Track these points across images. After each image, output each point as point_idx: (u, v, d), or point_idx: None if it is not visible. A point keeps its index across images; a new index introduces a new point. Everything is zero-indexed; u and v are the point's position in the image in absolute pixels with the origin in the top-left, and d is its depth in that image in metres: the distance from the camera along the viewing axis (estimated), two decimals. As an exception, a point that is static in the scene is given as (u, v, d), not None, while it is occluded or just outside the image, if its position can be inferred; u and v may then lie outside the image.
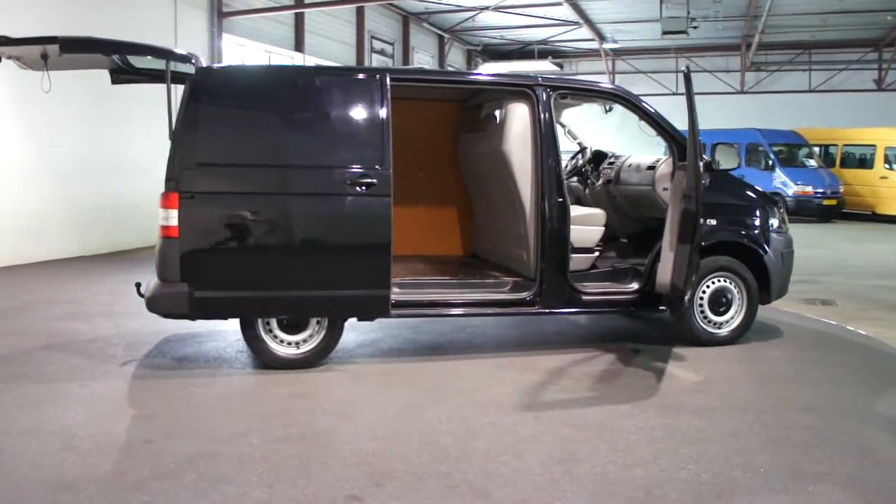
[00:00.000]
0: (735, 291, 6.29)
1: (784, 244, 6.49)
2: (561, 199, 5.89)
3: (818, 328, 7.08)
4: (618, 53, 29.42)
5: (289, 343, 5.60)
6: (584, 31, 25.66)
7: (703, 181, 5.49)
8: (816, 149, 21.83)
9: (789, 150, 21.36)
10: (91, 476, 3.71)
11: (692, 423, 4.44)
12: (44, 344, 6.32)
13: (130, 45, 5.59)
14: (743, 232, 6.34)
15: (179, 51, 5.65)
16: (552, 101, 5.95)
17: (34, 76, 5.88)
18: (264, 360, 5.59)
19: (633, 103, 6.17)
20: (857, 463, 3.88)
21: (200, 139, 5.31)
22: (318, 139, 5.50)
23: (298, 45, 19.67)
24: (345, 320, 5.70)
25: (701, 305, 6.24)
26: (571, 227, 6.16)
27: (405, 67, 6.43)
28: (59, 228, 11.47)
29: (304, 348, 5.63)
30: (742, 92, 28.24)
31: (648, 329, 7.02)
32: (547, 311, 5.95)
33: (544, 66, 30.19)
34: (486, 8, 23.42)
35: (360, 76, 5.79)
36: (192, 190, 5.26)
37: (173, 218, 5.25)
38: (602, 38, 26.72)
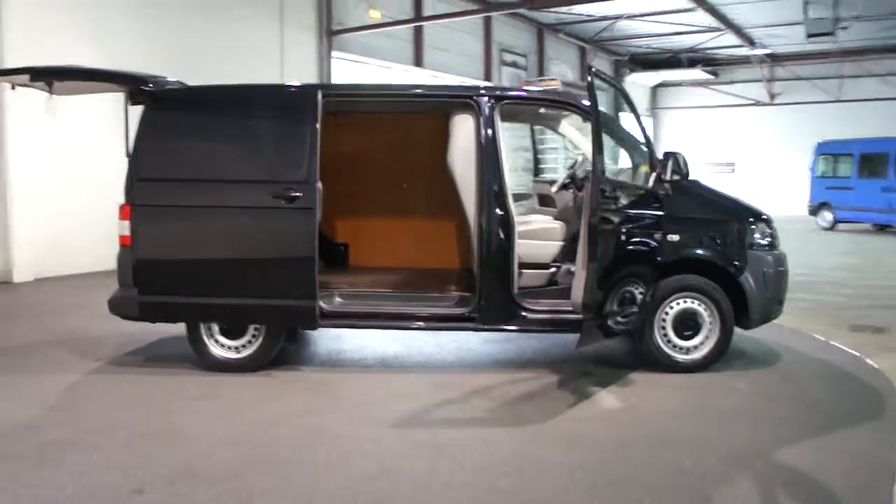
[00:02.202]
0: (704, 314, 5.73)
1: (768, 263, 5.81)
2: (502, 213, 5.66)
3: (828, 359, 6.27)
4: (776, 59, 27.53)
5: (229, 347, 5.79)
6: (732, 38, 24.25)
7: (609, 192, 5.06)
8: None
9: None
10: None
11: (555, 454, 4.10)
12: (48, 340, 6.91)
13: (97, 72, 6.00)
14: (710, 248, 5.76)
15: (141, 75, 6.00)
16: (496, 112, 5.74)
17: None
18: (206, 363, 5.81)
19: (585, 112, 5.80)
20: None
21: (149, 156, 5.66)
22: (249, 154, 5.66)
23: (417, 60, 20.10)
24: (281, 328, 5.80)
25: (663, 328, 5.74)
26: (523, 241, 5.93)
27: (339, 84, 6.37)
28: (87, 242, 11.13)
29: (244, 353, 5.80)
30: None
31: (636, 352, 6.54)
32: (486, 327, 5.72)
33: (693, 75, 28.93)
34: (620, 17, 22.83)
35: (291, 93, 5.90)
36: (141, 203, 5.63)
37: (126, 228, 5.65)
38: (751, 43, 25.11)
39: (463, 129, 5.80)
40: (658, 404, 5.02)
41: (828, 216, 20.74)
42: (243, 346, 5.80)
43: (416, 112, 7.07)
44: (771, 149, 29.34)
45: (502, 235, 5.65)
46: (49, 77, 5.88)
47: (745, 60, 27.68)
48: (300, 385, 5.52)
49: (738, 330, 6.09)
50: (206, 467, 3.97)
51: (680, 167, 5.51)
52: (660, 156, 5.76)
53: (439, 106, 6.08)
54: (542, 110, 6.67)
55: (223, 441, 4.36)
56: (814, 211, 21.23)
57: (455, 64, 21.48)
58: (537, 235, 6.05)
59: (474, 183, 5.74)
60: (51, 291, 9.84)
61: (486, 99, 5.74)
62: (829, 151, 21.15)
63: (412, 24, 19.21)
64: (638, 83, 30.60)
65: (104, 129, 10.89)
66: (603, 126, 5.63)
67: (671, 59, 28.30)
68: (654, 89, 32.67)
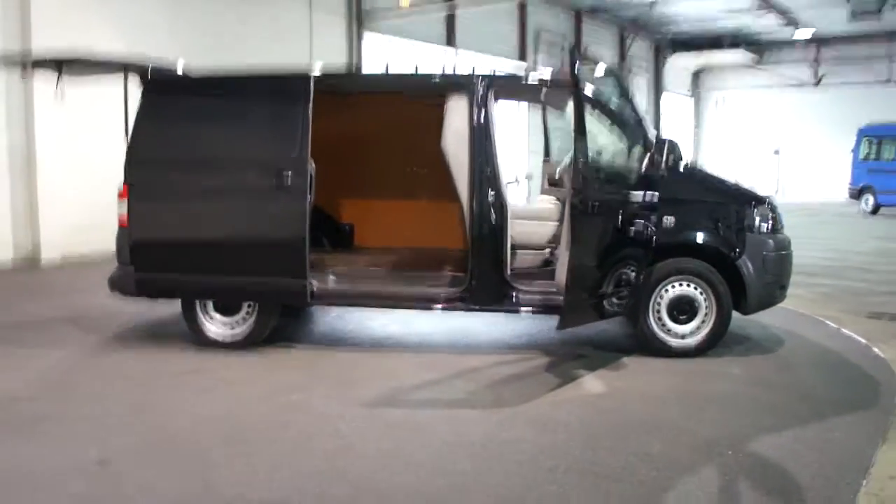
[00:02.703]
0: (700, 298, 5.61)
1: (768, 247, 5.66)
2: (494, 194, 5.61)
3: (833, 346, 6.08)
4: (821, 41, 26.74)
5: (223, 325, 5.87)
6: (776, 18, 23.60)
7: (593, 175, 4.99)
8: None
9: None
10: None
11: (524, 436, 4.06)
12: (62, 317, 7.06)
13: (96, 61, 6.07)
14: (706, 232, 5.62)
15: (137, 62, 6.06)
16: (489, 95, 5.67)
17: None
18: (201, 340, 5.89)
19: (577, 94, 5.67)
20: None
21: (145, 138, 5.76)
22: (242, 137, 5.71)
23: (450, 41, 20.00)
24: (273, 306, 5.85)
25: (658, 312, 5.63)
26: (517, 222, 5.87)
27: (333, 72, 6.36)
28: (113, 223, 11.84)
29: (237, 330, 5.88)
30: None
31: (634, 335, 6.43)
32: (477, 307, 5.69)
33: (736, 57, 28.30)
34: (658, -2, 22.42)
35: (285, 79, 5.92)
36: (137, 183, 5.74)
37: (124, 208, 5.75)
38: (795, 24, 24.40)
39: (457, 113, 5.75)
40: (643, 389, 4.93)
41: (870, 200, 20.14)
42: (237, 323, 5.87)
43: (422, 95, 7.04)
44: (816, 133, 28.56)
45: (494, 217, 5.60)
46: (52, 65, 5.99)
47: (789, 42, 26.95)
48: (290, 363, 5.57)
49: (745, 316, 6.00)
50: (176, 442, 4.03)
51: (673, 152, 5.37)
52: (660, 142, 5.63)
53: (434, 91, 6.02)
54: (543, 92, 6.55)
55: (201, 416, 4.42)
56: (855, 195, 20.65)
57: (490, 46, 21.31)
58: (532, 216, 5.98)
59: (467, 165, 5.69)
60: (75, 271, 10.07)
61: (479, 83, 5.67)
62: (872, 134, 20.53)
63: (444, 10, 19.06)
64: (679, 65, 30.02)
65: (129, 113, 11.08)
66: (599, 108, 5.55)
67: (713, 41, 27.66)
68: (697, 72, 32.03)
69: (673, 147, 5.40)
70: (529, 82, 6.00)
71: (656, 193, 5.45)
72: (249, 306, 5.85)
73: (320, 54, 15.74)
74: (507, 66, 22.37)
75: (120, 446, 3.95)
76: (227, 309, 5.87)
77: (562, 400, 4.68)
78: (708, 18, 24.92)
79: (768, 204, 5.83)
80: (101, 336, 6.31)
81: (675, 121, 31.05)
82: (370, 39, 17.68)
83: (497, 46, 21.63)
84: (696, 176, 5.75)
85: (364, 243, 7.61)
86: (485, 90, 5.66)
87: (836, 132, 26.77)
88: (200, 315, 5.88)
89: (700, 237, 5.60)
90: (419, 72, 6.22)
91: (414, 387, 4.99)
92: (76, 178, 11.33)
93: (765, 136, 30.23)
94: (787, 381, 5.16)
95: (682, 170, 5.65)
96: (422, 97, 6.52)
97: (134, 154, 5.77)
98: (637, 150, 5.50)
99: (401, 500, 3.36)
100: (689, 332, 5.62)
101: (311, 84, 5.66)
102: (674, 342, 5.62)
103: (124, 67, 5.96)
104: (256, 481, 3.53)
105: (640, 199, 5.39)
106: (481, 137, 5.62)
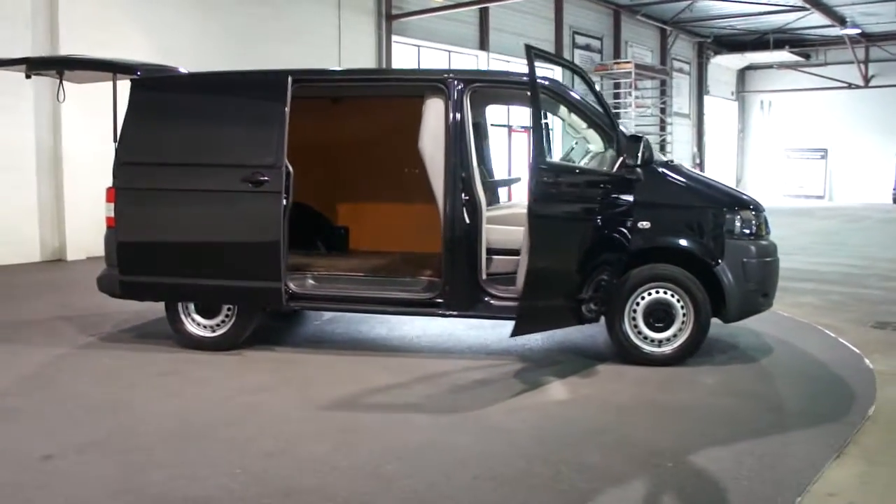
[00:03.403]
0: (677, 305, 5.49)
1: (750, 253, 5.50)
2: (468, 198, 5.57)
3: (823, 357, 5.85)
4: (870, 39, 25.94)
5: (204, 326, 5.96)
6: (820, 17, 22.96)
7: (553, 178, 4.92)
8: None
9: None
10: None
11: (465, 443, 4.01)
12: (62, 315, 7.26)
13: (91, 61, 6.22)
14: (683, 236, 5.50)
15: (127, 62, 6.20)
16: (465, 96, 5.63)
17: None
18: (183, 341, 5.99)
19: (557, 94, 5.62)
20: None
21: (131, 141, 5.87)
22: (221, 139, 5.77)
23: (482, 44, 19.95)
24: (252, 308, 5.91)
25: (634, 319, 5.53)
26: (492, 226, 5.82)
27: (309, 69, 6.33)
28: None
29: (218, 332, 5.95)
30: None
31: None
32: (450, 313, 5.66)
33: (781, 57, 27.64)
34: (699, -5, 22.02)
35: (261, 78, 5.97)
36: (123, 186, 5.87)
37: (111, 210, 5.89)
38: (842, 22, 23.71)
39: (433, 113, 5.73)
40: (607, 397, 4.85)
41: (913, 203, 19.48)
42: (217, 325, 5.95)
43: (412, 97, 7.04)
44: (865, 134, 27.72)
45: (468, 221, 5.56)
46: (46, 67, 6.17)
47: (837, 41, 26.20)
48: (264, 365, 5.62)
49: (739, 324, 5.94)
50: (123, 439, 4.11)
51: (643, 152, 5.26)
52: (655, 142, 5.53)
53: (412, 90, 6.03)
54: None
55: (159, 415, 4.50)
56: (897, 198, 19.99)
57: (522, 48, 21.15)
58: (508, 221, 5.92)
59: (442, 167, 5.67)
60: (96, 269, 10.28)
61: (455, 82, 5.64)
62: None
63: (477, 7, 18.96)
64: (723, 65, 29.45)
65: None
66: (573, 108, 5.48)
67: (757, 41, 27.08)
68: (742, 72, 31.37)
69: (646, 147, 5.29)
70: (510, 80, 5.94)
71: (630, 196, 5.36)
72: (229, 309, 5.92)
73: (349, 55, 15.86)
74: (540, 70, 22.23)
75: (70, 442, 4.04)
76: (207, 311, 5.95)
77: (518, 407, 4.63)
78: (752, 17, 24.39)
79: (753, 209, 5.68)
80: (95, 335, 6.46)
81: (718, 124, 30.49)
82: (399, 44, 17.71)
83: (532, 49, 21.43)
84: (674, 178, 5.61)
85: (360, 246, 7.64)
86: (461, 89, 5.62)
87: (887, 133, 25.96)
88: (182, 317, 5.97)
89: (676, 242, 5.48)
90: (396, 69, 6.21)
91: (375, 390, 4.99)
92: (101, 178, 11.57)
93: (812, 138, 29.45)
94: (759, 392, 5.02)
95: (659, 172, 5.54)
96: (398, 95, 6.52)
97: (121, 157, 5.89)
98: (610, 152, 5.42)
99: (308, 501, 3.36)
100: (666, 340, 5.50)
101: (289, 83, 5.69)
102: (650, 350, 5.51)
103: (113, 68, 6.07)
104: (185, 480, 3.57)
105: (610, 203, 5.31)
106: (456, 138, 5.58)
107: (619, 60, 23.83)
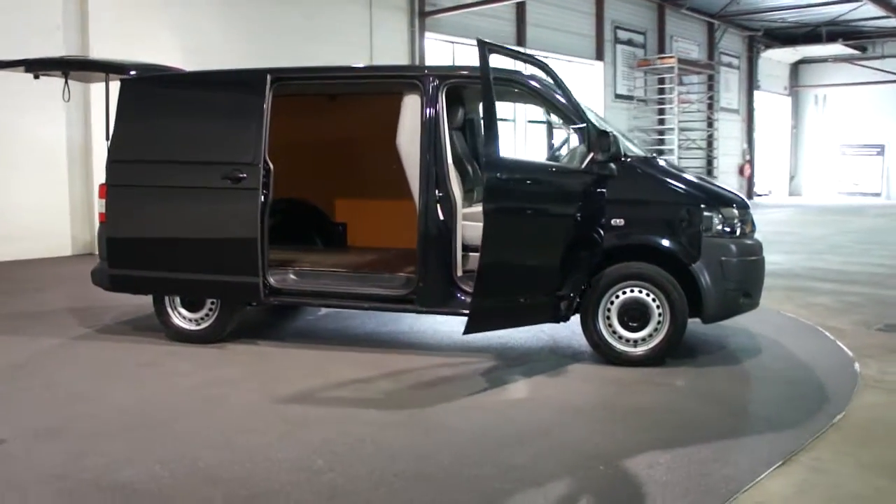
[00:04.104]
0: (653, 305, 5.37)
1: (730, 252, 5.34)
2: (442, 194, 5.56)
3: (810, 360, 5.63)
4: (931, 30, 24.91)
5: (189, 320, 6.08)
6: (874, 8, 22.16)
7: (506, 175, 4.88)
8: None
9: None
10: None
11: (403, 440, 3.99)
12: (69, 307, 7.51)
13: (86, 62, 6.41)
14: (657, 234, 5.38)
15: (122, 63, 6.36)
16: (440, 92, 5.61)
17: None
18: (170, 334, 6.14)
19: (532, 90, 5.54)
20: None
21: (120, 139, 6.05)
22: (203, 137, 5.89)
23: (520, 40, 19.81)
24: (233, 302, 6.01)
25: (608, 318, 5.44)
26: (470, 223, 5.78)
27: (288, 67, 6.35)
28: None
29: (203, 325, 6.08)
30: None
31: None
32: (424, 309, 5.66)
33: (835, 50, 26.78)
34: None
35: (240, 77, 6.06)
36: (112, 183, 6.06)
37: (102, 206, 6.07)
38: (898, 12, 22.82)
39: (410, 110, 5.74)
40: (567, 398, 4.77)
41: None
42: (202, 318, 6.07)
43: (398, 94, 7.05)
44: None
45: (442, 217, 5.55)
46: (44, 68, 6.37)
47: (894, 33, 25.23)
48: (241, 358, 5.71)
49: (734, 325, 5.91)
50: (80, 426, 4.23)
51: (610, 147, 5.16)
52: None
53: (389, 86, 6.04)
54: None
55: (121, 405, 4.62)
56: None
57: (562, 43, 20.99)
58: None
59: (418, 164, 5.66)
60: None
61: (430, 79, 5.62)
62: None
63: (513, 1, 18.77)
64: (774, 59, 28.66)
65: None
66: (546, 104, 5.41)
67: (810, 34, 26.27)
68: (795, 66, 30.48)
69: (614, 142, 5.17)
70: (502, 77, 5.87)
71: (601, 193, 5.28)
72: (213, 303, 6.03)
73: (380, 53, 15.94)
74: (582, 66, 22.01)
75: (28, 427, 4.18)
76: (192, 305, 6.08)
77: (471, 405, 4.60)
78: (803, 9, 23.68)
79: (736, 206, 5.52)
80: (93, 326, 6.67)
81: (770, 120, 29.70)
82: (433, 41, 17.68)
83: (571, 45, 21.27)
84: (650, 174, 5.48)
85: (358, 242, 7.69)
86: (436, 85, 5.59)
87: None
88: (169, 310, 6.11)
89: (650, 239, 5.36)
90: (373, 66, 6.23)
91: (337, 385, 5.02)
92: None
93: (869, 134, 28.44)
94: (728, 396, 4.88)
95: (635, 167, 5.43)
96: (376, 92, 6.54)
97: (111, 155, 6.06)
98: (581, 147, 5.34)
99: (228, 491, 3.41)
100: (642, 340, 5.39)
101: (268, 82, 5.75)
102: (624, 349, 5.41)
103: (105, 69, 6.24)
104: (120, 467, 3.66)
105: (577, 199, 5.24)
106: (430, 134, 5.57)
107: (662, 55, 23.41)
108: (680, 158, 23.96)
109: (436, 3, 17.59)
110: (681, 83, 24.06)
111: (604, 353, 5.45)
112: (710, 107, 25.26)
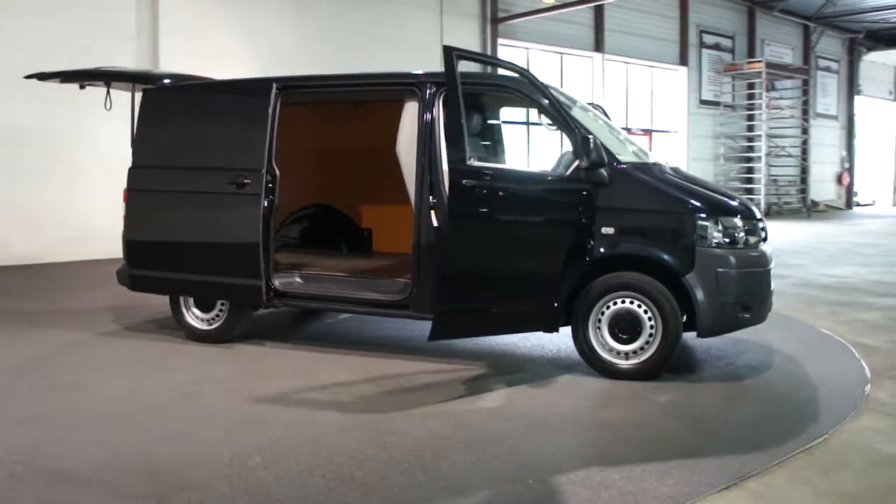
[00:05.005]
0: (644, 317, 5.20)
1: (727, 263, 5.09)
2: (436, 200, 5.56)
3: (820, 379, 5.27)
4: None
5: (202, 320, 6.32)
6: None
7: (474, 182, 4.84)
8: None
9: None
10: None
11: (351, 445, 4.00)
12: (95, 307, 7.86)
13: (119, 73, 6.74)
14: (648, 243, 5.19)
15: (150, 73, 6.69)
16: (438, 98, 5.61)
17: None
18: (185, 333, 6.39)
19: (523, 94, 5.44)
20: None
21: (140, 146, 6.41)
22: (213, 144, 6.12)
23: (597, 45, 19.55)
24: (240, 304, 6.19)
25: (598, 329, 5.30)
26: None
27: (293, 75, 6.48)
28: None
29: (214, 325, 6.30)
30: None
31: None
32: (418, 315, 5.66)
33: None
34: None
35: (248, 85, 6.25)
36: (132, 188, 6.41)
37: (124, 210, 6.40)
38: None
39: (409, 116, 5.77)
40: (538, 410, 4.65)
41: None
42: (213, 318, 6.29)
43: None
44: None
45: (436, 224, 5.55)
46: (74, 79, 6.75)
47: None
48: (241, 357, 5.89)
49: (753, 339, 5.83)
50: (58, 416, 4.48)
51: (590, 153, 5.02)
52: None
53: (388, 93, 6.09)
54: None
55: (106, 398, 4.86)
56: None
57: (642, 48, 20.58)
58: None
59: (415, 170, 5.69)
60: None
61: (427, 85, 5.64)
62: None
63: (591, 5, 18.49)
64: (878, 62, 27.13)
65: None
66: (542, 110, 5.33)
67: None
68: (903, 69, 28.76)
69: (594, 148, 5.03)
70: (485, 83, 5.85)
71: (589, 200, 5.15)
72: (222, 304, 6.24)
73: (451, 60, 16.02)
74: (663, 71, 21.51)
75: (12, 415, 4.47)
76: (204, 305, 6.31)
77: (437, 412, 4.58)
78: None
79: (740, 215, 5.28)
80: (123, 323, 7.04)
81: (873, 126, 28.13)
82: (505, 47, 17.64)
83: (651, 50, 20.83)
84: (644, 181, 5.29)
85: (383, 248, 7.77)
86: (433, 92, 5.60)
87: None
88: (184, 310, 6.38)
89: (639, 249, 5.19)
90: (374, 73, 6.29)
91: (316, 387, 5.10)
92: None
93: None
94: (708, 415, 4.64)
95: (630, 174, 5.27)
96: (376, 98, 6.60)
97: (133, 161, 6.38)
98: (568, 154, 5.23)
99: (161, 482, 3.54)
100: (633, 352, 5.23)
101: (273, 90, 5.92)
102: (614, 361, 5.26)
103: (132, 79, 6.58)
104: (73, 455, 3.86)
105: (560, 207, 5.14)
106: (425, 140, 5.58)
107: (751, 60, 22.56)
108: (770, 166, 23.05)
109: (509, 9, 17.56)
110: (772, 88, 23.13)
111: (594, 365, 5.31)
112: (805, 113, 24.15)
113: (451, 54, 4.83)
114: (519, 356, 5.92)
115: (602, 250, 5.21)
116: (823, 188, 25.80)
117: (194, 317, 6.35)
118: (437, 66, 16.37)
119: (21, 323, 7.11)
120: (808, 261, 12.13)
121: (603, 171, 5.15)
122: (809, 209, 23.78)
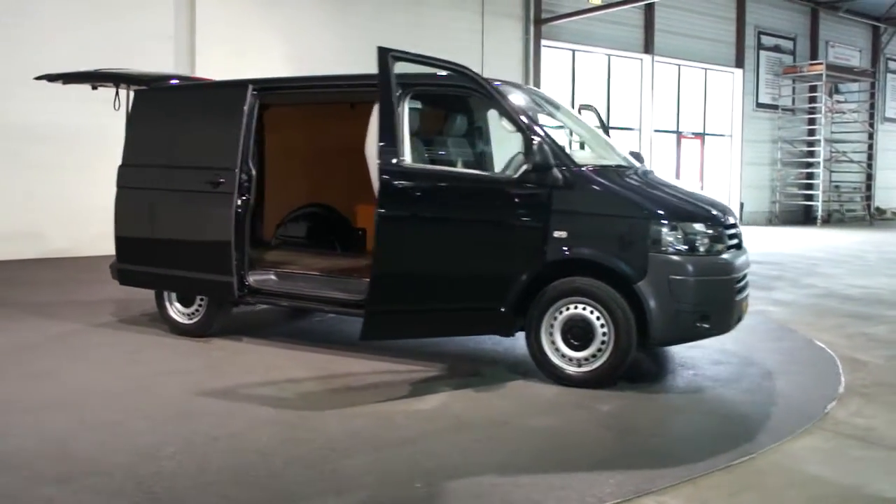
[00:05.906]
0: (596, 323, 5.11)
1: (682, 270, 4.94)
2: (398, 201, 5.59)
3: (787, 396, 5.07)
4: None
5: (183, 314, 6.52)
6: None
7: (405, 183, 4.91)
8: None
9: None
10: None
11: (263, 441, 4.08)
12: (98, 299, 8.10)
13: (119, 75, 6.98)
14: (598, 248, 5.09)
15: (141, 74, 6.93)
16: (403, 100, 5.61)
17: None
18: (169, 327, 6.61)
19: (487, 96, 5.36)
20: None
21: (128, 145, 6.67)
22: (191, 144, 6.31)
23: (647, 47, 19.20)
24: (215, 299, 6.35)
25: (551, 335, 5.23)
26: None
27: (268, 77, 6.58)
28: None
29: (194, 319, 6.49)
30: None
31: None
32: (372, 315, 5.70)
33: None
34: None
35: (225, 88, 6.42)
36: (120, 185, 6.66)
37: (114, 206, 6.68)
38: None
39: (376, 118, 5.79)
40: (469, 413, 4.64)
41: None
42: (193, 313, 6.48)
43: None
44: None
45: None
46: (77, 80, 7.04)
47: None
48: (213, 353, 6.04)
49: (737, 350, 5.78)
50: (13, 403, 4.71)
51: (535, 155, 4.96)
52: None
53: (359, 95, 6.15)
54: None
55: (69, 387, 5.08)
56: None
57: (695, 50, 20.10)
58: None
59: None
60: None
61: (399, 86, 5.63)
62: None
63: (640, 5, 18.08)
64: (956, 65, 25.78)
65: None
66: (500, 111, 5.28)
67: None
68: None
69: (539, 150, 4.96)
70: (454, 84, 5.81)
71: (538, 202, 5.09)
72: (201, 299, 6.42)
73: (492, 61, 15.94)
74: (718, 74, 20.98)
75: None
76: (185, 300, 6.50)
77: (366, 412, 4.61)
78: None
79: (705, 221, 5.13)
80: (119, 316, 7.31)
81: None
82: (549, 49, 17.46)
83: (705, 51, 20.32)
84: (599, 184, 5.17)
85: None
86: (399, 93, 5.60)
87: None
88: (167, 304, 6.59)
89: (588, 253, 5.10)
90: (346, 74, 6.35)
91: (265, 383, 5.21)
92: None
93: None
94: (643, 427, 4.52)
95: (586, 176, 5.18)
96: (346, 99, 6.66)
97: (123, 159, 6.63)
98: (519, 156, 5.17)
99: (70, 467, 3.69)
100: (585, 360, 5.15)
101: (248, 92, 6.05)
102: (565, 367, 5.19)
103: (115, 80, 6.82)
104: (10, 439, 4.07)
105: (504, 208, 5.11)
106: None
107: (813, 62, 21.78)
108: (831, 172, 22.21)
109: (553, 10, 17.38)
110: (837, 91, 22.29)
111: (546, 371, 5.26)
112: (871, 116, 23.17)
113: (386, 56, 4.86)
114: (481, 360, 5.90)
115: (553, 254, 5.14)
116: (892, 195, 24.70)
117: (176, 311, 6.55)
118: (478, 67, 16.30)
119: (24, 312, 7.46)
120: (844, 270, 11.66)
121: (556, 174, 5.08)
122: (873, 217, 22.80)
